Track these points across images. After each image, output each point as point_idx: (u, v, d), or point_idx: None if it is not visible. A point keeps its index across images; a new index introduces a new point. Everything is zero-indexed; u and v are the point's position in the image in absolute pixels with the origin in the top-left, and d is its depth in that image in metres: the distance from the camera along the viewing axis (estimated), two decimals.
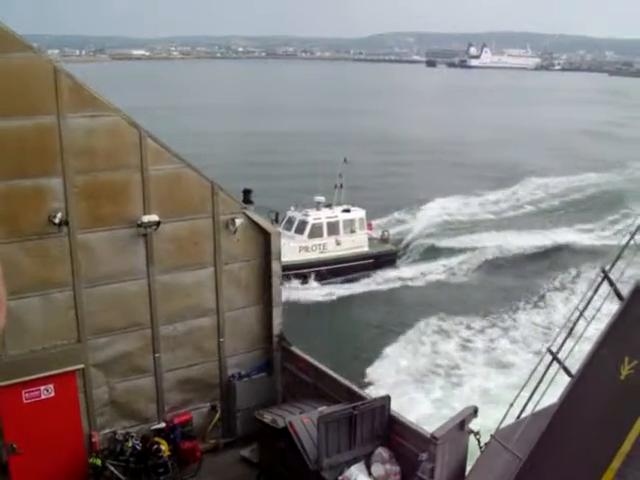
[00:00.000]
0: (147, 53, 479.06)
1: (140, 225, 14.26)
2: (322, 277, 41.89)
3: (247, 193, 16.78)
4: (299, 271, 39.80)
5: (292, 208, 43.37)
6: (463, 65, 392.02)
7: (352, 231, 43.44)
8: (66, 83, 12.97)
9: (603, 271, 12.02)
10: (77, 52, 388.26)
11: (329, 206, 43.66)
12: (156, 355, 15.36)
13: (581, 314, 11.86)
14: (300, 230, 41.84)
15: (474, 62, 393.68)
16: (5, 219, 12.76)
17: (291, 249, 39.10)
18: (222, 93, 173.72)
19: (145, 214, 14.30)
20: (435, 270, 44.63)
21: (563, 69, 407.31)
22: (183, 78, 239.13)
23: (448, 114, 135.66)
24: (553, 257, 46.80)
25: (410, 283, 42.79)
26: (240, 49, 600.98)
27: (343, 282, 42.41)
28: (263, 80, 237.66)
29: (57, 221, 13.23)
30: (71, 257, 13.73)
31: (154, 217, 14.32)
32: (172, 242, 14.95)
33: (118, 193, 14.11)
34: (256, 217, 16.16)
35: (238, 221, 15.48)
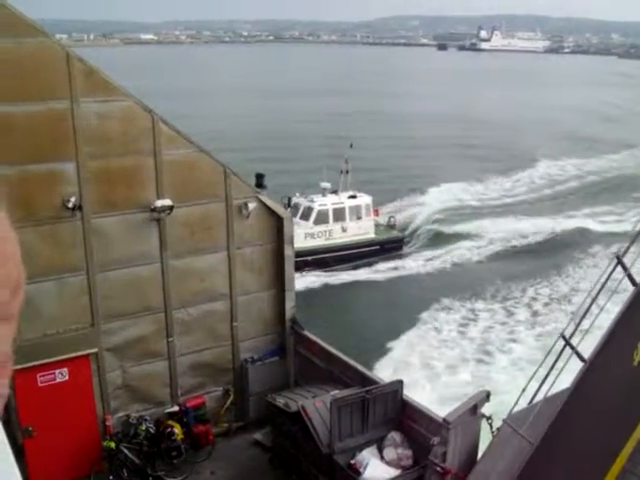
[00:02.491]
0: (155, 37, 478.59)
1: (153, 210, 14.29)
2: (328, 264, 41.66)
3: (260, 177, 16.83)
4: (303, 258, 38.61)
5: (297, 194, 42.98)
6: (474, 48, 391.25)
7: (358, 217, 43.01)
8: (79, 68, 12.98)
9: (617, 256, 11.96)
10: (85, 37, 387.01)
11: (335, 192, 43.25)
12: (169, 339, 15.44)
13: (594, 300, 11.82)
14: (306, 216, 41.45)
15: (485, 45, 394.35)
16: (19, 203, 12.81)
17: (297, 236, 38.74)
18: (255, 76, 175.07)
19: (158, 199, 14.32)
20: (443, 256, 44.26)
21: (573, 52, 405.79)
22: (208, 62, 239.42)
23: (501, 97, 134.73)
24: (566, 242, 46.43)
25: (417, 269, 42.54)
26: (245, 33, 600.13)
27: (349, 268, 42.25)
28: (287, 63, 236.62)
29: (71, 206, 13.28)
30: (84, 242, 13.79)
31: (167, 202, 14.34)
32: (185, 227, 14.98)
33: (131, 178, 14.14)
34: (269, 201, 16.15)
35: (251, 205, 15.47)
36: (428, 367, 29.30)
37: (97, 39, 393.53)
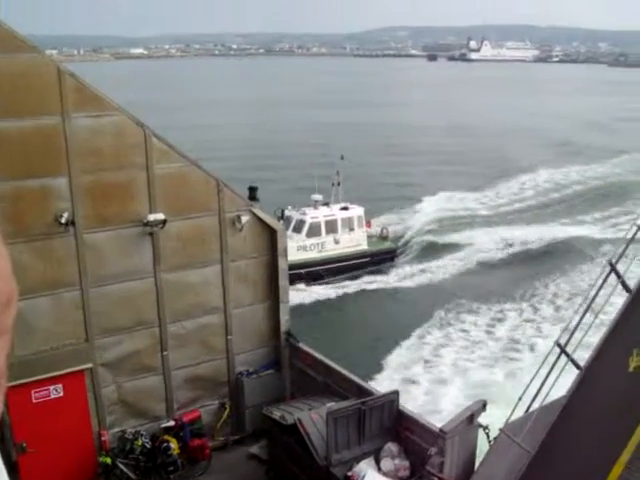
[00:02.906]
0: (145, 52, 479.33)
1: (146, 224, 14.27)
2: (320, 276, 41.45)
3: (253, 190, 16.83)
4: (296, 271, 37.78)
5: (289, 207, 42.83)
6: (464, 58, 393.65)
7: (350, 229, 42.86)
8: (70, 83, 12.99)
9: (610, 264, 12.00)
10: (75, 52, 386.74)
11: (327, 204, 43.13)
12: (164, 353, 15.39)
13: (589, 307, 11.85)
14: (298, 229, 41.30)
15: (474, 55, 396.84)
16: (12, 219, 12.78)
17: (289, 249, 38.34)
18: (254, 88, 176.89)
19: (151, 213, 14.31)
20: (435, 266, 44.17)
21: (561, 60, 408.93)
22: (204, 75, 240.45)
23: (499, 104, 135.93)
24: (558, 251, 46.43)
25: (410, 280, 42.44)
26: (235, 46, 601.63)
27: (342, 280, 42.10)
28: (283, 76, 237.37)
29: (64, 221, 13.26)
30: (78, 257, 13.76)
31: (160, 216, 14.33)
32: (178, 240, 14.97)
33: (124, 192, 14.13)
34: (262, 214, 16.16)
35: (244, 218, 15.47)
36: (422, 376, 29.27)
37: (87, 54, 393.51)
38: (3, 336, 0.82)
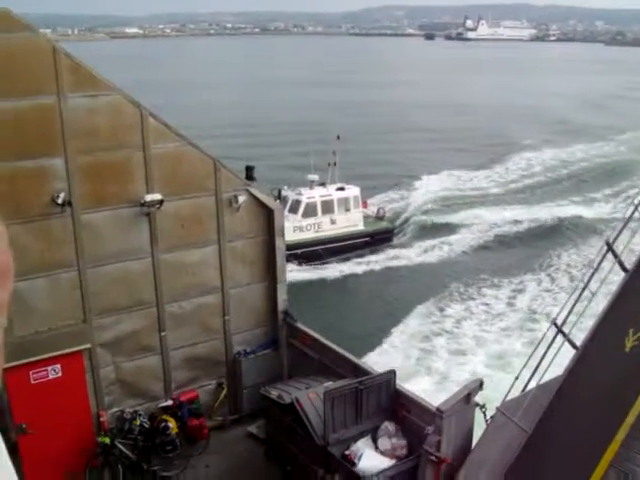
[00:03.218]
0: (140, 31, 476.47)
1: (143, 204, 14.24)
2: (317, 257, 41.48)
3: (250, 170, 16.75)
4: (293, 251, 37.48)
5: (285, 187, 42.69)
6: (460, 38, 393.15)
7: (347, 209, 42.96)
8: (65, 63, 12.90)
9: (607, 243, 12.01)
10: (69, 31, 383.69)
11: (323, 184, 43.11)
12: (162, 334, 15.42)
13: (585, 286, 11.87)
14: (294, 210, 41.24)
15: (471, 34, 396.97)
16: (8, 200, 12.74)
17: (285, 229, 38.07)
18: (269, 68, 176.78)
19: (148, 193, 14.28)
20: (432, 246, 44.26)
21: (558, 39, 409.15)
22: (201, 54, 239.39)
23: (520, 84, 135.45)
24: (556, 230, 46.56)
25: (407, 260, 42.50)
26: (229, 25, 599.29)
27: (339, 261, 42.13)
28: (289, 56, 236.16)
29: (60, 201, 13.21)
30: (75, 237, 13.73)
31: (157, 196, 14.30)
32: (175, 220, 14.94)
33: (120, 172, 14.08)
34: (259, 194, 16.12)
35: (241, 198, 15.44)
36: (421, 356, 29.39)
37: (82, 33, 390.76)
38: (1, 311, 0.82)
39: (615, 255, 11.98)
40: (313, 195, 42.03)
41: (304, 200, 41.60)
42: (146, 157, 14.22)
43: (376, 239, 44.37)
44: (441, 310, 34.44)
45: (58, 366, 14.11)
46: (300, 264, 39.48)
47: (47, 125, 13.03)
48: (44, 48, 12.75)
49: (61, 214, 13.43)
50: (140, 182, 14.29)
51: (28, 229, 13.06)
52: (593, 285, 11.89)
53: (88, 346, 14.43)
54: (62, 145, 13.20)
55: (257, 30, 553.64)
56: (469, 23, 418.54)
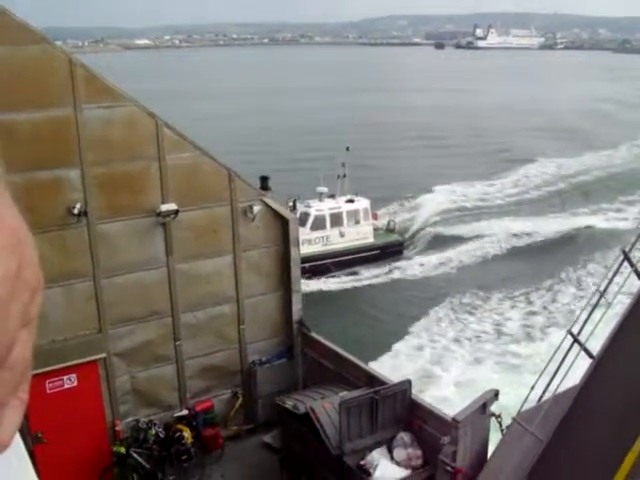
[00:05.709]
0: (151, 43, 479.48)
1: (159, 214, 14.30)
2: (326, 270, 40.72)
3: (264, 180, 16.83)
4: (301, 265, 36.90)
5: (292, 199, 41.89)
6: (471, 46, 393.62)
7: (356, 222, 42.04)
8: (81, 74, 13.00)
9: (623, 252, 11.95)
10: (79, 43, 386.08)
11: (332, 196, 42.32)
12: (177, 343, 15.45)
13: (602, 295, 11.81)
14: (302, 222, 40.17)
15: (481, 43, 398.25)
16: (25, 211, 12.48)
17: None
18: (305, 77, 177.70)
19: (163, 203, 14.34)
20: (444, 259, 43.63)
21: (566, 47, 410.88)
22: (223, 65, 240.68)
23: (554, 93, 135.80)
24: (570, 241, 46.02)
25: (418, 273, 41.98)
26: (234, 36, 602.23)
27: (348, 274, 41.44)
28: (318, 64, 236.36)
29: (76, 212, 13.29)
30: (90, 247, 13.81)
31: (172, 206, 14.36)
32: (191, 230, 14.99)
33: (136, 183, 14.16)
34: (274, 204, 16.16)
35: (256, 208, 15.48)
36: (435, 365, 29.29)
37: (91, 45, 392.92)
38: (29, 326, 0.84)
39: (631, 264, 11.92)
40: (322, 207, 41.28)
41: (313, 213, 40.82)
42: (161, 167, 14.29)
43: (386, 252, 43.48)
44: (454, 320, 34.28)
45: (74, 375, 14.18)
46: (309, 278, 38.78)
47: (63, 136, 13.12)
48: (60, 60, 12.85)
49: (77, 224, 13.52)
50: (155, 192, 14.36)
51: (44, 239, 13.12)
52: (609, 294, 11.83)
53: (103, 356, 14.49)
54: (78, 156, 13.29)
55: (266, 40, 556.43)
56: (479, 32, 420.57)
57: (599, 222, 49.34)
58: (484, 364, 29.64)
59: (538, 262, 42.64)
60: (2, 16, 11.96)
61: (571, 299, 36.44)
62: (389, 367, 26.86)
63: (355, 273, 41.52)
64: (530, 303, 36.54)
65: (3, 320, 0.75)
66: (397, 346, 30.98)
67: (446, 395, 25.30)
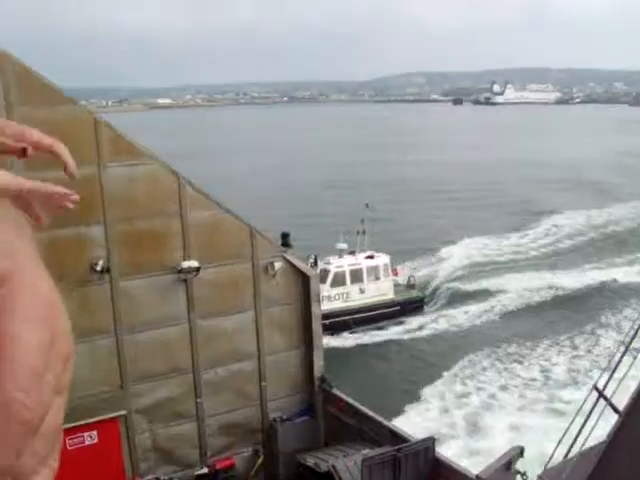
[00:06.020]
0: (174, 102, 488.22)
1: (180, 271, 14.40)
2: (346, 327, 40.31)
3: (285, 237, 16.90)
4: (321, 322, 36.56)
5: (313, 256, 40.86)
6: (488, 102, 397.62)
7: (376, 278, 42.04)
8: (106, 133, 13.28)
9: None
10: (104, 103, 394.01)
11: (352, 253, 42.31)
12: (198, 400, 15.39)
13: (627, 349, 11.67)
14: (322, 279, 40.12)
15: (499, 99, 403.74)
16: (48, 267, 12.85)
17: None
18: (332, 131, 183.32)
19: (185, 260, 14.44)
20: (465, 315, 43.11)
21: (583, 101, 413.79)
22: (250, 123, 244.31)
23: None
24: (592, 295, 45.74)
25: (438, 329, 41.46)
26: (255, 94, 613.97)
27: (368, 331, 40.93)
28: (351, 123, 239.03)
29: (99, 268, 13.42)
30: (113, 304, 13.89)
31: (194, 263, 14.45)
32: (212, 287, 15.05)
33: (158, 240, 14.29)
34: (295, 260, 16.21)
35: (277, 265, 15.54)
36: (455, 423, 28.91)
37: (114, 105, 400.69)
38: (62, 394, 0.87)
39: None
40: (342, 264, 41.27)
41: (332, 269, 40.81)
42: (183, 224, 14.43)
43: (407, 308, 43.20)
44: (476, 376, 33.94)
45: (94, 432, 14.14)
46: (331, 334, 38.40)
47: (87, 194, 13.29)
48: (86, 120, 13.14)
49: (100, 281, 13.63)
50: (177, 249, 14.48)
51: (67, 295, 13.12)
52: (635, 348, 11.69)
53: (124, 412, 14.45)
54: (102, 213, 13.48)
55: (285, 99, 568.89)
56: (496, 87, 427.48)
57: (623, 276, 48.90)
58: (510, 417, 29.29)
59: (560, 316, 42.48)
60: (33, 78, 12.30)
61: (595, 354, 36.16)
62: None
63: (374, 329, 41.17)
64: (552, 359, 36.16)
65: (38, 391, 0.78)
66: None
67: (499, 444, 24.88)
